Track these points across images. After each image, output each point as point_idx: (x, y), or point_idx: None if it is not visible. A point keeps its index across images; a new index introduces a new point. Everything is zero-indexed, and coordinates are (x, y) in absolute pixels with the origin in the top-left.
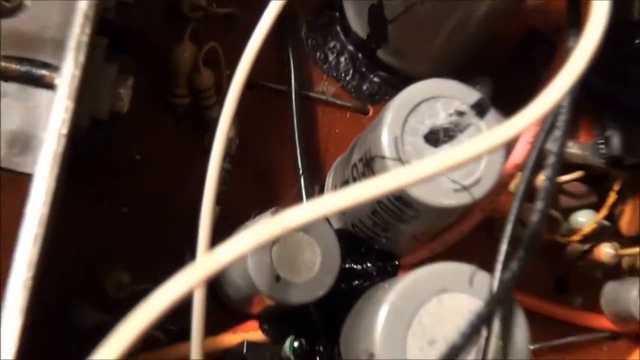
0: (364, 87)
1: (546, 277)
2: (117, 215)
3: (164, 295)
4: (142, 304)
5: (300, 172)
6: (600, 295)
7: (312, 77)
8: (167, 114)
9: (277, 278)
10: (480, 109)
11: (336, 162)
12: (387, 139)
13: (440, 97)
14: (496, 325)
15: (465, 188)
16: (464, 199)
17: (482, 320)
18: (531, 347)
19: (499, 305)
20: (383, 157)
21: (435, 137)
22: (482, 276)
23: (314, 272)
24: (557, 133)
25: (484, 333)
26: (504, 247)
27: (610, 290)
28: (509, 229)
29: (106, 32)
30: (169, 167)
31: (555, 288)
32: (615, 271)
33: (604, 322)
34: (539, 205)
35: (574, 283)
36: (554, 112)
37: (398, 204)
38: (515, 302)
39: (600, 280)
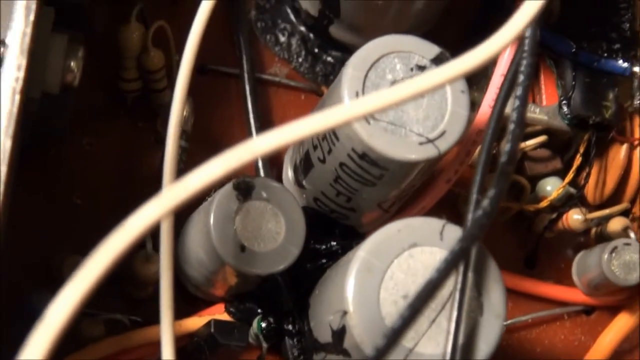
0: (317, 68)
1: (515, 256)
2: (69, 207)
3: (134, 223)
4: (113, 233)
5: (260, 164)
6: (571, 268)
7: (264, 60)
8: (117, 101)
9: (242, 248)
10: (441, 63)
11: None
12: (348, 95)
13: (400, 52)
14: (470, 277)
15: (430, 141)
16: (429, 152)
17: (457, 257)
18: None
19: (473, 243)
20: None
21: None
22: (452, 229)
23: (279, 241)
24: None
25: (458, 279)
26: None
27: (581, 258)
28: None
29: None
30: (119, 156)
31: (525, 264)
32: (585, 244)
33: (577, 296)
34: (507, 147)
35: (544, 259)
36: (514, 70)
37: (363, 163)
38: (489, 257)
39: (570, 255)
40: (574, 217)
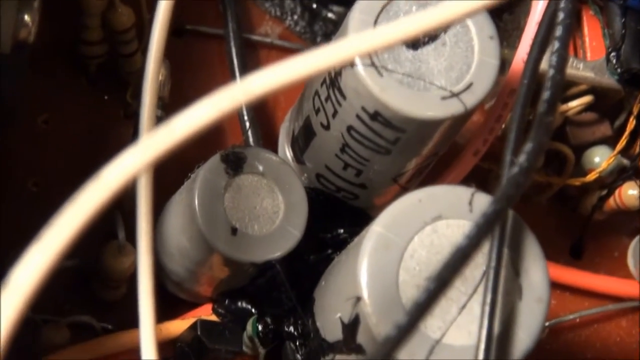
0: (316, 27)
1: (559, 243)
2: (24, 195)
3: (115, 172)
4: (90, 183)
5: (247, 125)
6: (627, 257)
7: (253, 18)
8: (78, 69)
9: (233, 231)
10: None
11: (288, 114)
12: None
13: None
14: (505, 253)
15: (455, 95)
16: (453, 108)
17: (491, 222)
18: (546, 324)
19: (509, 205)
20: (352, 65)
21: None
22: (483, 199)
23: (276, 222)
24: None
25: (492, 255)
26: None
27: (638, 243)
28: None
29: None
30: (82, 136)
31: (571, 254)
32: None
33: (634, 289)
34: (545, 95)
35: (593, 247)
36: (551, 13)
37: (374, 125)
38: (528, 230)
39: (624, 241)
40: (629, 193)
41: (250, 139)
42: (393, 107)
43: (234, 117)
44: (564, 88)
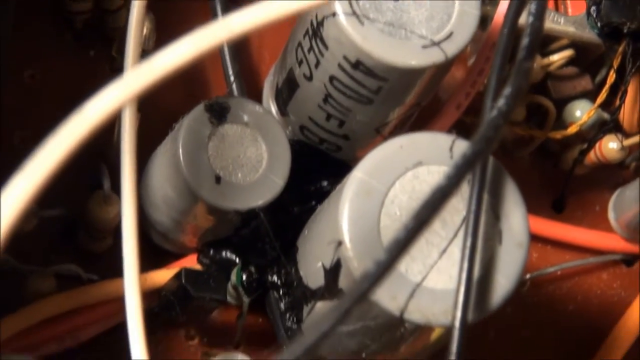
0: None
1: (541, 198)
2: (8, 150)
3: (97, 106)
4: (73, 116)
5: (232, 79)
6: (607, 210)
7: None
8: (64, 25)
9: (217, 179)
10: None
11: (272, 68)
12: None
13: None
14: (485, 198)
15: (436, 43)
16: (434, 56)
17: (470, 162)
18: (527, 276)
19: (489, 147)
20: (334, 15)
21: None
22: (464, 145)
23: (260, 171)
24: None
25: (472, 199)
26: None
27: (619, 196)
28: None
29: None
30: (68, 91)
31: (553, 207)
32: (623, 183)
33: (615, 242)
34: (525, 41)
35: (575, 201)
36: None
37: (356, 74)
38: (507, 176)
39: (606, 195)
40: (609, 146)
41: (235, 92)
42: (374, 56)
43: (219, 71)
44: (546, 43)
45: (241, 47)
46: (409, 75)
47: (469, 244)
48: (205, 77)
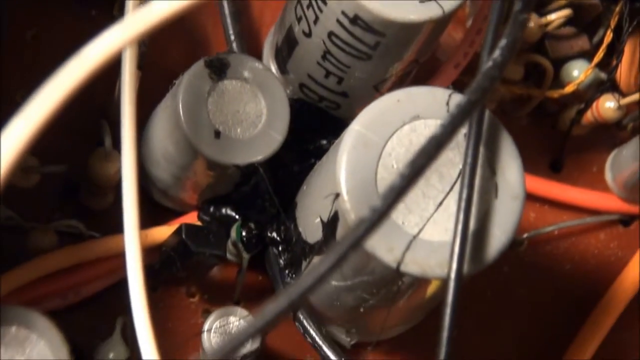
0: None
1: (539, 158)
2: (11, 107)
3: (96, 48)
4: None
5: (232, 38)
6: (605, 171)
7: None
8: None
9: (217, 134)
10: None
11: (272, 28)
12: None
13: None
14: (481, 152)
15: None
16: (432, 11)
17: (465, 112)
18: (525, 235)
19: (484, 97)
20: None
21: None
22: (461, 99)
23: (259, 126)
24: None
25: (469, 152)
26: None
27: (616, 155)
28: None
29: None
30: (70, 50)
31: (551, 167)
32: (621, 143)
33: (612, 202)
34: None
35: (572, 161)
36: None
37: (355, 30)
38: (504, 130)
39: (603, 156)
40: (606, 105)
41: (237, 51)
42: (372, 10)
43: (220, 31)
44: (544, 3)
45: (242, 9)
46: (407, 30)
47: (464, 196)
48: (206, 37)
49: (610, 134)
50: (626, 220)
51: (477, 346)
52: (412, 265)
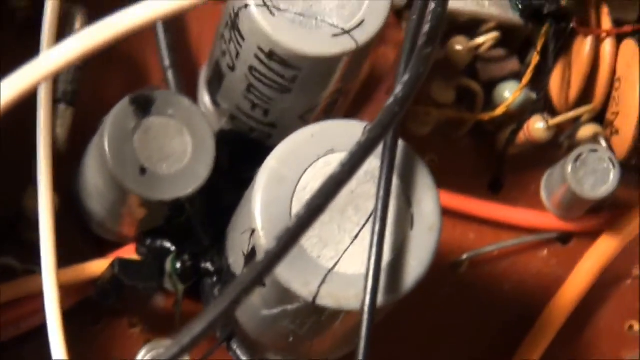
0: None
1: (478, 179)
2: None
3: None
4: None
5: (168, 67)
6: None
7: None
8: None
9: (142, 170)
10: None
11: (207, 59)
12: None
13: None
14: (395, 183)
15: (346, 32)
16: (345, 45)
17: (364, 150)
18: (465, 256)
19: (384, 134)
20: (246, 6)
21: None
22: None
23: (185, 161)
24: None
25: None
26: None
27: (549, 175)
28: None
29: None
30: None
31: (490, 188)
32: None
33: (550, 221)
34: (425, 28)
35: (511, 182)
36: None
37: (272, 64)
38: (420, 161)
39: (540, 175)
40: (536, 126)
41: (171, 81)
42: (285, 46)
43: (158, 62)
44: (474, 26)
45: (180, 38)
46: (322, 64)
47: (377, 229)
48: (144, 69)
49: (548, 153)
50: (564, 237)
51: None
52: (328, 299)
